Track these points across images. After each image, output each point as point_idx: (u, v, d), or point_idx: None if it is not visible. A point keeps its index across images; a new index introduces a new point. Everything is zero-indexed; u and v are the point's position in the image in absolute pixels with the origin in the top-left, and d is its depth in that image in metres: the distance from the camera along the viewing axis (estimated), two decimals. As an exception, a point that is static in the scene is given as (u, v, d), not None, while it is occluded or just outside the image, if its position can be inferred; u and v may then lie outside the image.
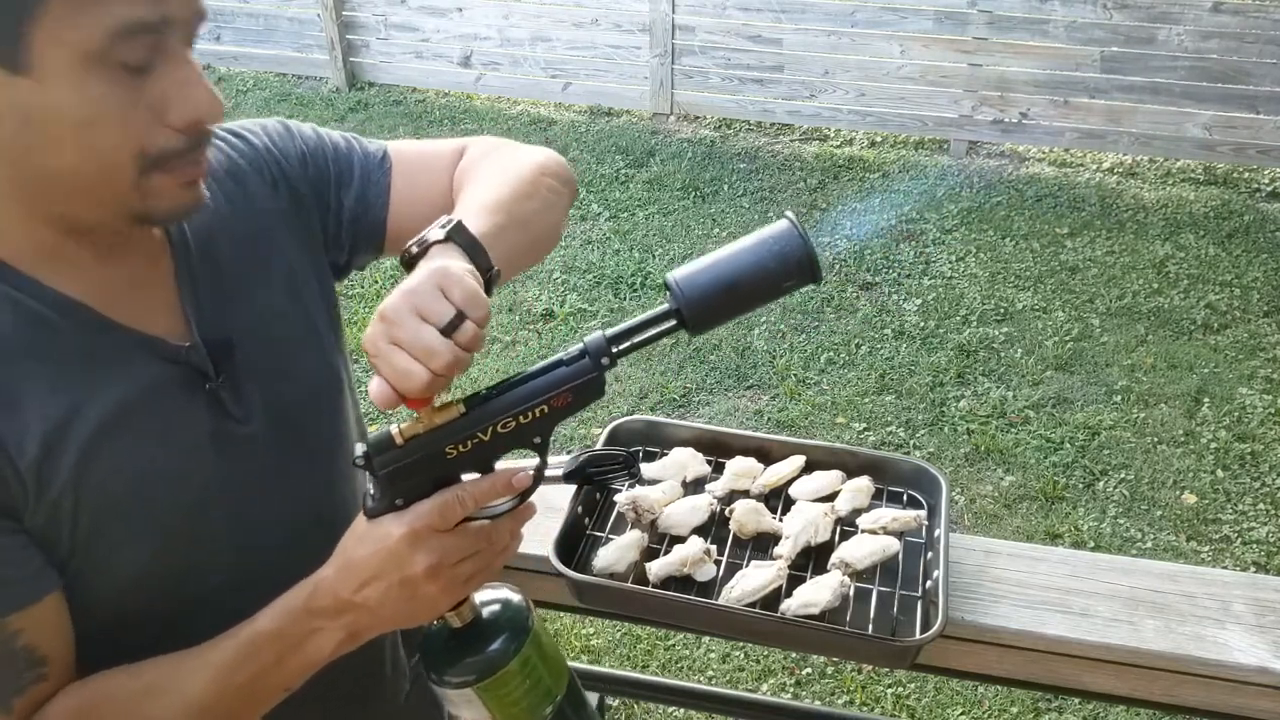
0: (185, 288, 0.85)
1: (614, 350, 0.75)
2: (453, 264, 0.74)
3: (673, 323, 0.76)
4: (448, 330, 0.70)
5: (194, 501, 0.84)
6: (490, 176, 0.95)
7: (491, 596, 0.86)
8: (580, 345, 0.75)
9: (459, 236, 0.79)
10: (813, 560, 1.25)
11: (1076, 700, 2.53)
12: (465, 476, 0.76)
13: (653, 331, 0.76)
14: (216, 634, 0.80)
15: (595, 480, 0.95)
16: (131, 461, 0.79)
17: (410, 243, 0.80)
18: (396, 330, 0.70)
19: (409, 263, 0.79)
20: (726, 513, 1.30)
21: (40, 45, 0.67)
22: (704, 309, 0.75)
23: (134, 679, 0.80)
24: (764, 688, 2.63)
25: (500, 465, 0.77)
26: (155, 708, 0.79)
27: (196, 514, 0.84)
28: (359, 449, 0.74)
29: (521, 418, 0.74)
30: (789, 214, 0.77)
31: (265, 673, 0.79)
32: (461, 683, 0.79)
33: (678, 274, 0.75)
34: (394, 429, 0.74)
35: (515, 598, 0.87)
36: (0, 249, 0.76)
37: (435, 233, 0.79)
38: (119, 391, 0.79)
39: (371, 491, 0.75)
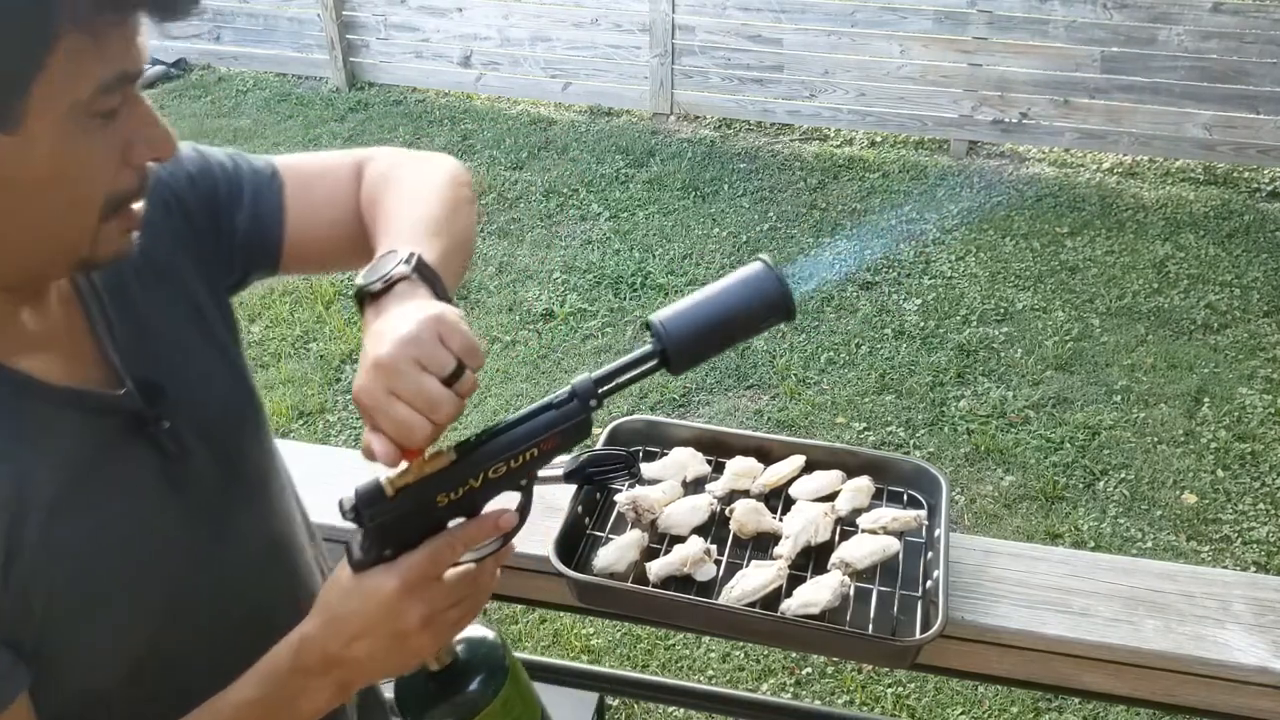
0: (102, 333, 0.82)
1: (600, 392, 0.76)
2: (447, 310, 0.73)
3: (655, 363, 0.77)
4: (449, 380, 0.69)
5: (160, 548, 0.81)
6: (415, 193, 0.91)
7: (465, 635, 0.85)
8: (568, 389, 0.76)
9: (423, 270, 0.77)
10: (813, 560, 1.25)
11: (1076, 700, 2.53)
12: (450, 522, 0.76)
13: (637, 372, 0.77)
14: (198, 691, 0.77)
15: (595, 480, 0.94)
16: (95, 519, 0.76)
17: (372, 278, 0.77)
18: (397, 381, 0.68)
19: (370, 297, 0.77)
20: (726, 512, 1.30)
21: (33, 103, 0.65)
22: (687, 351, 0.76)
23: None
24: (764, 687, 2.63)
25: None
26: None
27: (164, 560, 0.81)
28: (346, 501, 0.73)
29: (512, 462, 0.74)
30: (763, 257, 0.79)
31: None
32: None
33: (661, 316, 0.76)
34: (382, 479, 0.73)
35: (489, 635, 0.86)
36: None
37: (399, 268, 0.76)
38: (63, 452, 0.75)
39: (360, 543, 0.74)
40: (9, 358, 0.74)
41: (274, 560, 0.94)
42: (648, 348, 0.77)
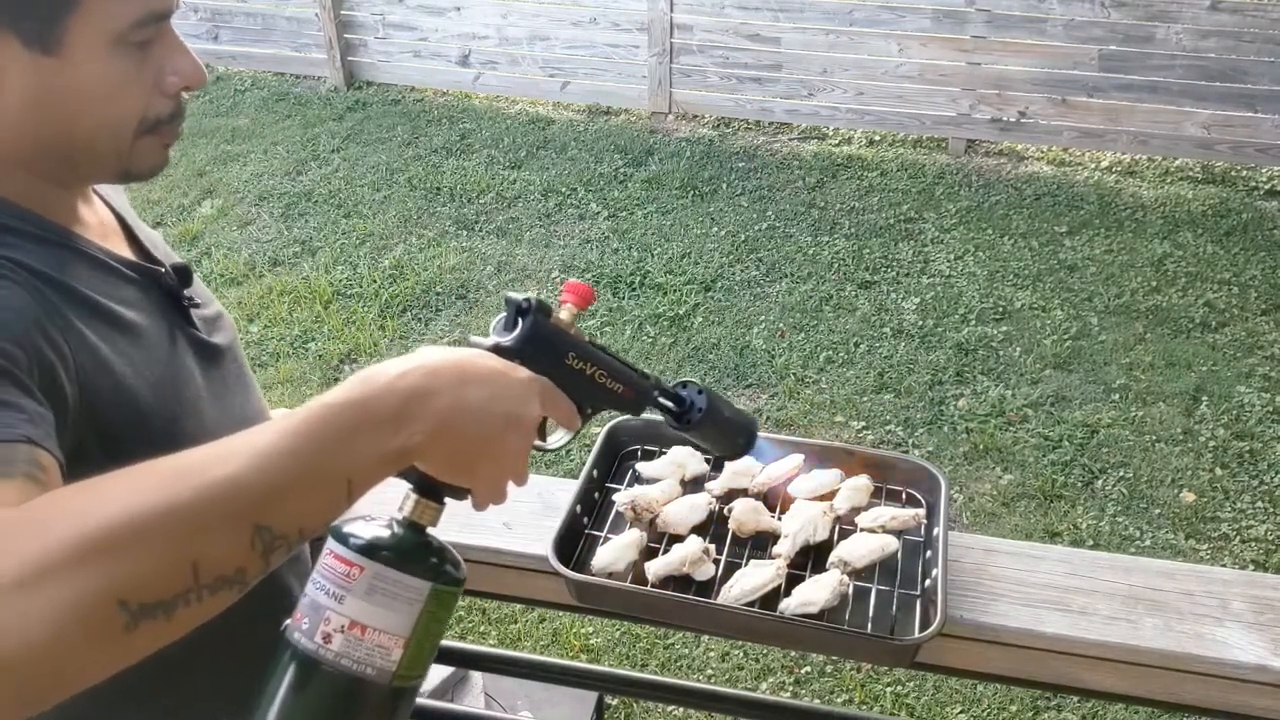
0: (133, 224, 0.95)
1: (658, 396, 0.91)
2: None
3: (675, 416, 0.94)
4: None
5: (193, 398, 0.89)
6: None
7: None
8: (652, 374, 0.90)
9: None
10: (811, 559, 1.25)
11: (1075, 698, 2.54)
12: None
13: (668, 407, 0.93)
14: None
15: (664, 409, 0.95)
16: (155, 367, 0.85)
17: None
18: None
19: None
20: (725, 511, 1.30)
21: (73, 32, 0.75)
22: (701, 424, 0.94)
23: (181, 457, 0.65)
24: (763, 686, 2.64)
25: None
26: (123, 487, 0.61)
27: (192, 413, 0.88)
28: (528, 294, 0.79)
29: (610, 383, 0.83)
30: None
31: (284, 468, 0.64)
32: (425, 576, 0.72)
33: (699, 399, 0.94)
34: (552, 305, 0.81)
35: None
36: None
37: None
38: (120, 302, 0.85)
39: (505, 331, 0.79)
40: (77, 231, 0.86)
41: None
42: (681, 408, 0.93)
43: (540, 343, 0.78)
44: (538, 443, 0.79)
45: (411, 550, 0.73)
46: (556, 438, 0.83)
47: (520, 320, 0.78)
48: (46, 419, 0.69)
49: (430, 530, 0.76)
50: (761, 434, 1.05)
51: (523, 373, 0.75)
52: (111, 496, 0.58)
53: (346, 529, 0.72)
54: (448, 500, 0.77)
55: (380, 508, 0.77)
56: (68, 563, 0.54)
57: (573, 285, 0.82)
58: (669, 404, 0.93)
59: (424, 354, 0.71)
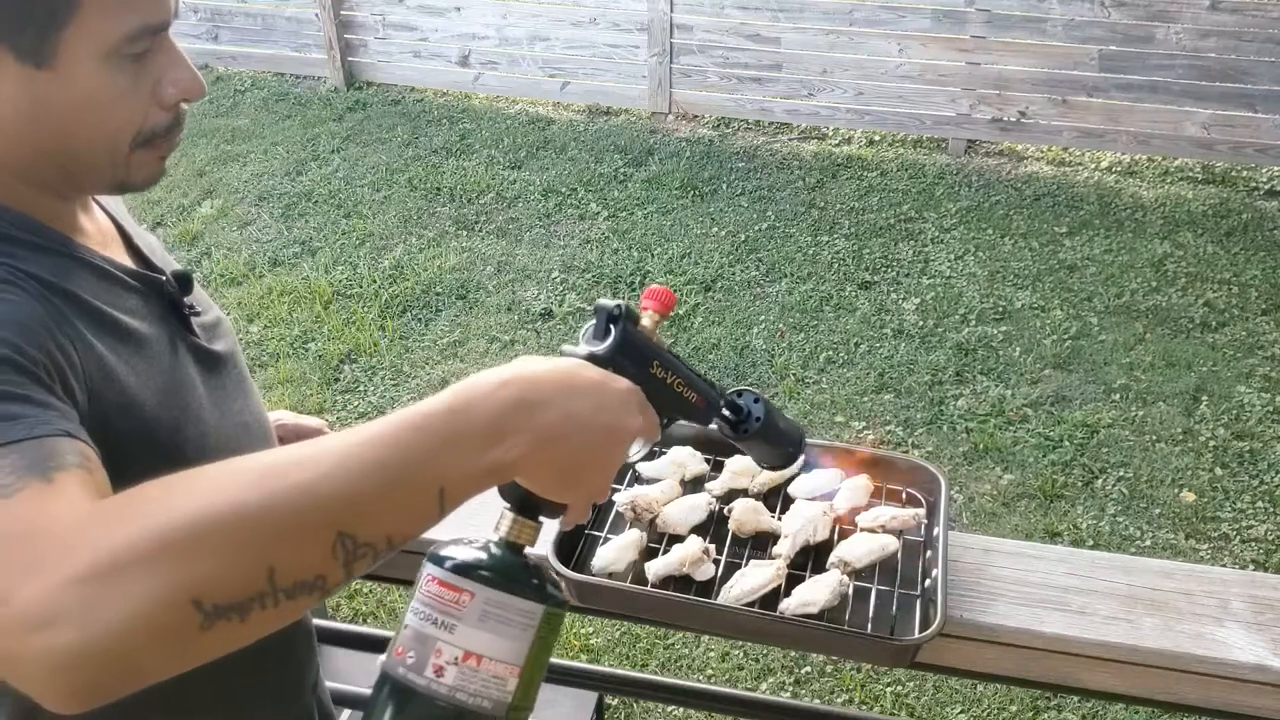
0: (132, 231, 0.95)
1: (724, 409, 0.89)
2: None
3: (733, 425, 0.91)
4: None
5: (195, 406, 0.88)
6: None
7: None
8: (721, 389, 0.87)
9: None
10: (811, 559, 1.25)
11: (1075, 698, 2.54)
12: None
13: (729, 421, 0.91)
14: None
15: (727, 420, 0.92)
16: (157, 375, 0.84)
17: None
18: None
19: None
20: (725, 511, 1.30)
21: (66, 45, 0.74)
22: (759, 435, 0.92)
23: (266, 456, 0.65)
24: (763, 686, 2.64)
25: None
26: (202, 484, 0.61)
27: (194, 421, 0.88)
28: (618, 301, 0.77)
29: (686, 392, 0.82)
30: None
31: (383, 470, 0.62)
32: (536, 599, 0.69)
33: (757, 408, 0.92)
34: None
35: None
36: None
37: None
38: (119, 312, 0.84)
39: (596, 340, 0.77)
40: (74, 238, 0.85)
41: (265, 440, 1.02)
42: (739, 418, 0.91)
43: (631, 351, 0.77)
44: None
45: (518, 572, 0.70)
46: (635, 449, 0.78)
47: (611, 328, 0.77)
48: (73, 416, 0.70)
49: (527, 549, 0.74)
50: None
51: (622, 383, 0.73)
52: (191, 495, 0.58)
53: (445, 552, 0.69)
54: (543, 520, 0.74)
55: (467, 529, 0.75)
56: (143, 559, 0.55)
57: (654, 291, 0.81)
58: (729, 414, 0.91)
59: (525, 364, 0.69)
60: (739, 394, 0.92)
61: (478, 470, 0.64)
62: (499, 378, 0.66)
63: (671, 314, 0.82)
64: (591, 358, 0.75)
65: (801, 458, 1.00)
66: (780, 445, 0.95)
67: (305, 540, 0.59)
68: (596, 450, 0.69)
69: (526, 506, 0.72)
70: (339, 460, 0.60)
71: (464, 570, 0.67)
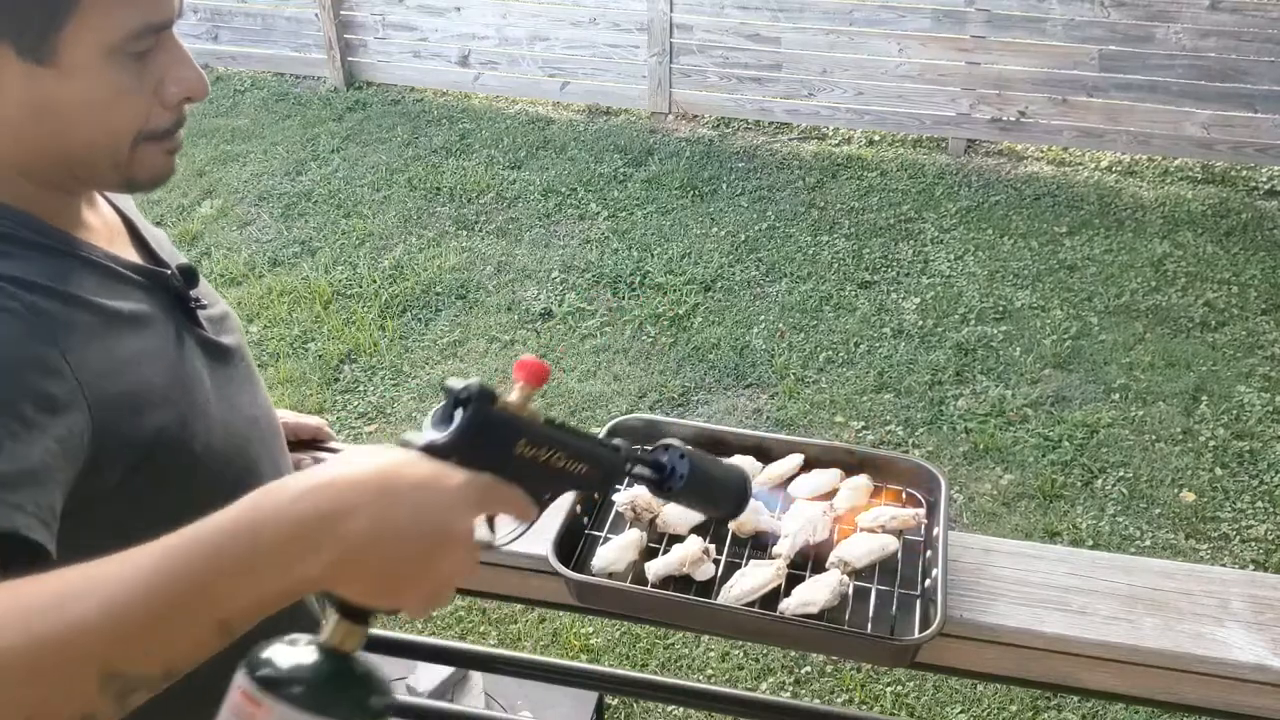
0: (139, 225, 0.95)
1: (630, 468, 0.81)
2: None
3: (654, 480, 0.84)
4: None
5: (202, 400, 0.88)
6: None
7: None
8: (619, 443, 0.80)
9: None
10: (811, 559, 1.25)
11: (1075, 698, 2.54)
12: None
13: (648, 476, 0.84)
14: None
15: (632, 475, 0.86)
16: (150, 362, 0.83)
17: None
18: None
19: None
20: (725, 511, 1.30)
21: (67, 43, 0.74)
22: (686, 490, 0.85)
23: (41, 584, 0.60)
24: (763, 686, 2.64)
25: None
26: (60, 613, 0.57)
27: (201, 415, 0.87)
28: (458, 382, 0.68)
29: (570, 464, 0.74)
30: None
31: (194, 588, 0.58)
32: (336, 715, 0.62)
33: (683, 461, 0.84)
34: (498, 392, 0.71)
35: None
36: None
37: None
38: (127, 308, 0.84)
39: (440, 427, 0.68)
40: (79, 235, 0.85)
41: (274, 434, 1.02)
42: (661, 475, 0.84)
43: (489, 433, 0.69)
44: (486, 538, 0.71)
45: (325, 684, 0.63)
46: (507, 532, 0.74)
47: (457, 413, 0.68)
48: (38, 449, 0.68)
49: (355, 655, 0.66)
50: (767, 433, 1.03)
51: (455, 478, 0.65)
52: None
53: (261, 655, 0.62)
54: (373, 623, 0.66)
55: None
56: None
57: (524, 363, 0.72)
58: (648, 472, 0.84)
59: (341, 464, 0.62)
60: (665, 448, 0.85)
61: (271, 593, 0.59)
62: (300, 487, 0.60)
63: (544, 385, 0.72)
64: (429, 448, 0.67)
65: (752, 500, 0.93)
66: (715, 499, 0.89)
67: (65, 681, 0.54)
68: (417, 560, 0.62)
69: (351, 610, 0.64)
70: (105, 594, 0.55)
71: (268, 685, 0.60)
